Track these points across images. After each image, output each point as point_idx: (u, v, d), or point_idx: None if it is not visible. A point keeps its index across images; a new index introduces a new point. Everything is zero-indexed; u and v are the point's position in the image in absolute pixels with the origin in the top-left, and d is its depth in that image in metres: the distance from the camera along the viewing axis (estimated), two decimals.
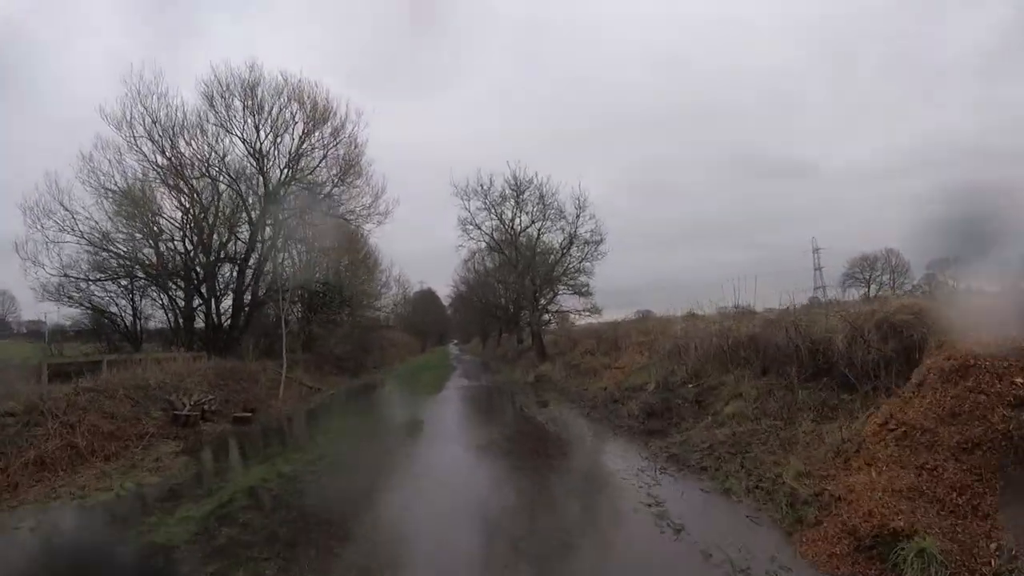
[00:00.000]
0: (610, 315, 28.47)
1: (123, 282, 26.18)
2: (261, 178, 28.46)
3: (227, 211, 28.73)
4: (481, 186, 27.45)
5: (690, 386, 12.79)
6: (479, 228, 27.57)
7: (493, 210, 27.62)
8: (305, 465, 10.30)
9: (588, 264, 27.61)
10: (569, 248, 27.20)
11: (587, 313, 28.16)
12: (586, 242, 27.10)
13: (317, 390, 25.28)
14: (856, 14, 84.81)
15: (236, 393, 19.76)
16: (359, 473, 10.06)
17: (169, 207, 27.30)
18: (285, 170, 28.52)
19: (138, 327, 26.63)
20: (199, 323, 27.82)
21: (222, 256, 29.09)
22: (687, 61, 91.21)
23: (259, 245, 30.32)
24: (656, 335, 16.90)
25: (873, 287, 43.10)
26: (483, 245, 28.34)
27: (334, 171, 28.85)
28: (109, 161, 23.39)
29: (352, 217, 34.10)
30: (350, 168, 30.32)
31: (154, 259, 26.77)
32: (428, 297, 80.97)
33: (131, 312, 27.01)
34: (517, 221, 27.53)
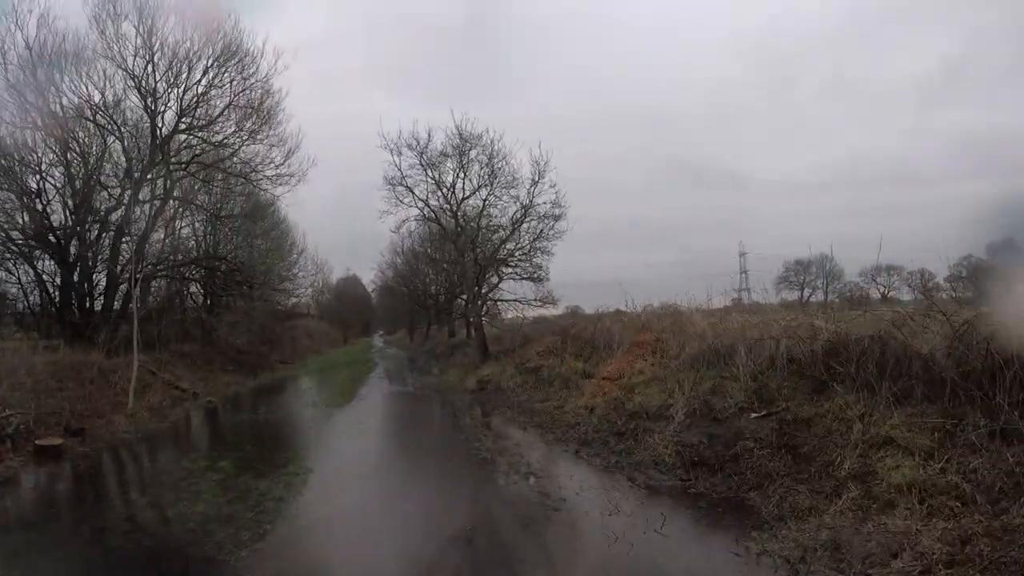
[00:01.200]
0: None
1: None
2: (150, 124, 21.70)
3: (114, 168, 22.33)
4: (416, 140, 21.64)
5: (755, 415, 7.80)
6: (411, 192, 21.76)
7: (430, 171, 21.94)
8: None
9: (544, 243, 22.45)
10: (522, 222, 21.95)
11: (538, 304, 23.02)
12: (543, 216, 21.92)
13: (193, 396, 18.89)
14: (801, 35, 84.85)
15: (76, 401, 14.01)
16: None
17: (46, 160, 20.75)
18: (182, 118, 21.95)
19: None
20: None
21: (107, 221, 22.31)
22: (631, 66, 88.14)
23: (145, 207, 23.62)
24: (669, 332, 11.87)
25: (807, 290, 43.56)
26: (414, 213, 22.50)
27: (237, 117, 22.42)
28: None
29: (258, 178, 27.56)
30: (256, 114, 23.90)
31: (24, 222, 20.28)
32: (352, 284, 73.89)
33: None
34: (459, 186, 21.97)
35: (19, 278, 22.27)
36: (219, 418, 15.62)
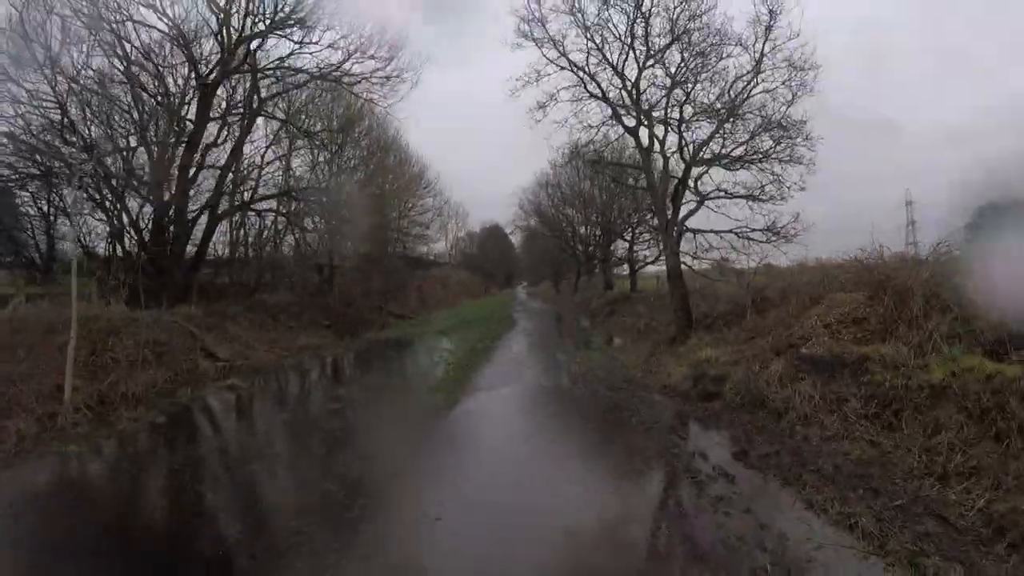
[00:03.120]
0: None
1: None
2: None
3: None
4: None
5: None
6: (556, 47, 13.06)
7: (588, 34, 13.16)
8: None
9: (786, 137, 12.64)
10: (755, 78, 12.25)
11: (771, 238, 13.32)
12: (790, 65, 12.15)
13: (227, 370, 13.01)
14: None
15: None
16: None
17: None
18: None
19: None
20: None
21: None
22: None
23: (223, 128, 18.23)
24: None
25: None
26: (563, 82, 13.86)
27: None
28: None
29: (354, 81, 20.88)
30: None
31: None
32: (496, 235, 68.19)
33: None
34: (630, 68, 12.94)
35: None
36: (202, 434, 8.71)
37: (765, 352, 9.50)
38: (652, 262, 27.46)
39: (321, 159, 26.72)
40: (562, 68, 13.12)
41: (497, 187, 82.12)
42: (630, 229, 28.32)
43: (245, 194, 22.68)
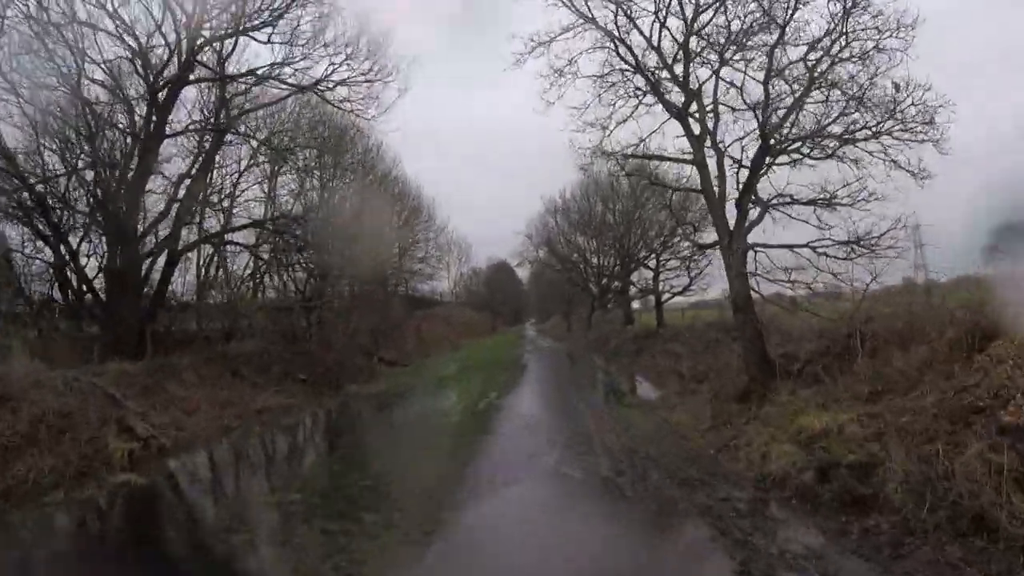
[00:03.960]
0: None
1: None
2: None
3: None
4: None
5: None
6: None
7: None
8: None
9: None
10: (845, 21, 8.81)
11: (869, 254, 9.70)
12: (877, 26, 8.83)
13: (157, 450, 9.60)
14: None
15: None
16: None
17: None
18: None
19: None
20: None
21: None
22: None
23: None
24: None
25: None
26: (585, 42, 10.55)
27: None
28: None
29: (327, 88, 18.07)
30: None
31: None
32: (503, 271, 65.35)
33: None
34: (667, 41, 9.77)
35: None
36: None
37: (927, 419, 5.95)
38: (681, 292, 23.90)
39: (309, 187, 23.82)
40: (584, 21, 9.82)
41: (499, 226, 79.34)
42: (653, 256, 24.86)
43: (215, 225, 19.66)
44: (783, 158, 9.99)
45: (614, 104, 10.41)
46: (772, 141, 9.23)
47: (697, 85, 10.26)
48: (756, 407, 9.04)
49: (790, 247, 10.64)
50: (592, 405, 12.06)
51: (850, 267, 10.55)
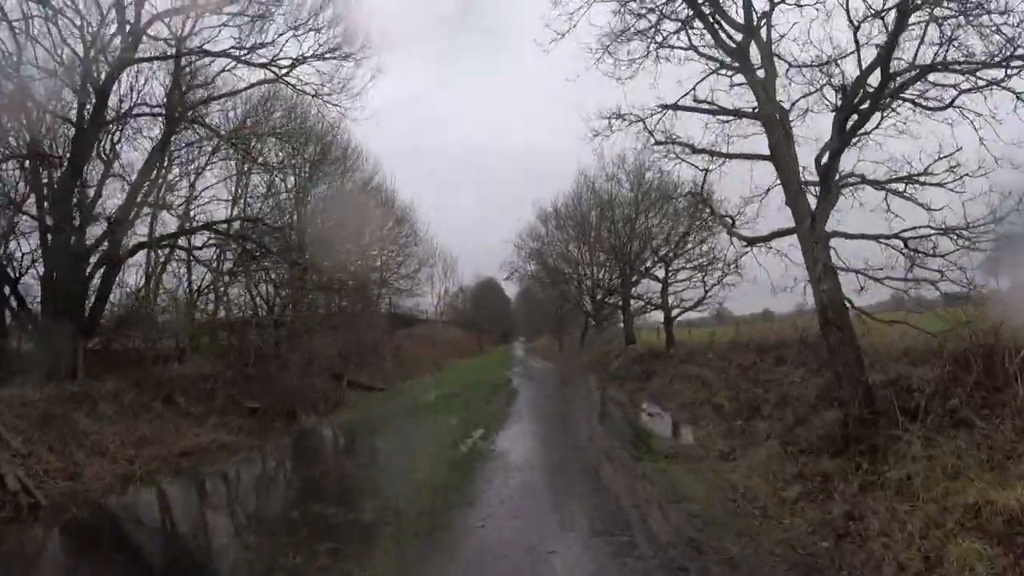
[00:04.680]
0: None
1: None
2: None
3: None
4: None
5: None
6: None
7: None
8: None
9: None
10: None
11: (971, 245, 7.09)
12: None
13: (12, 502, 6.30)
14: None
15: None
16: None
17: None
18: None
19: None
20: None
21: None
22: None
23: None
24: None
25: None
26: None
27: None
28: None
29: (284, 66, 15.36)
30: None
31: None
32: (491, 288, 62.61)
33: None
34: None
35: None
36: None
37: None
38: (694, 307, 20.92)
39: (282, 190, 20.96)
40: None
41: (486, 242, 76.43)
42: (661, 264, 21.92)
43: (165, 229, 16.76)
44: (877, 116, 7.16)
45: (648, 45, 7.54)
46: (891, 71, 6.35)
47: (756, 18, 7.45)
48: (869, 463, 6.07)
49: (878, 238, 7.81)
50: (612, 453, 8.94)
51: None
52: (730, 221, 10.37)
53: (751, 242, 9.25)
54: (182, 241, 16.93)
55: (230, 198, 19.47)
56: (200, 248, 16.97)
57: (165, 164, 15.64)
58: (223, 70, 14.59)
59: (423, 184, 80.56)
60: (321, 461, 11.16)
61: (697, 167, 9.73)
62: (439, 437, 11.57)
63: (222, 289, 19.30)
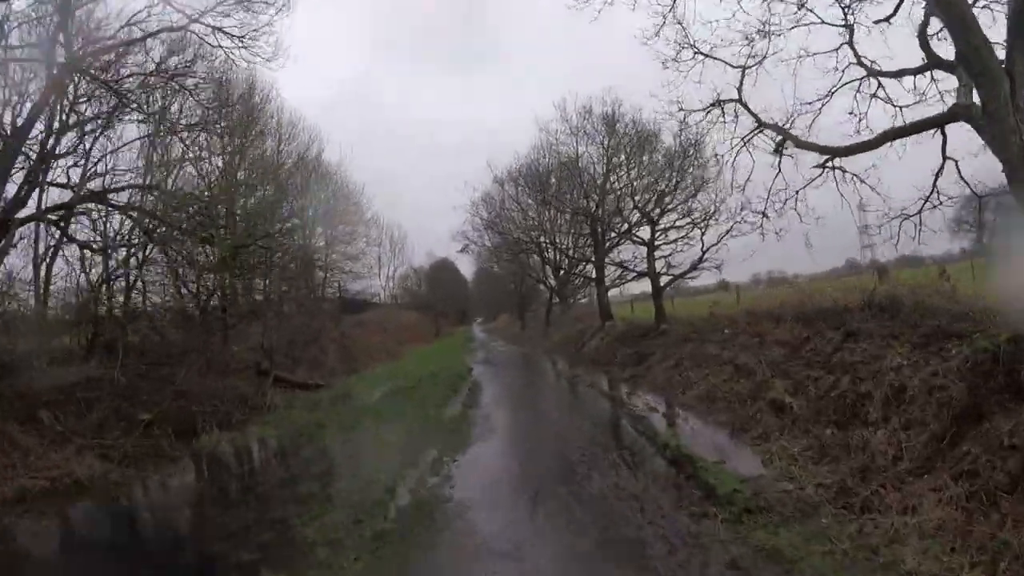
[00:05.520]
0: None
1: None
2: None
3: None
4: None
5: None
6: None
7: None
8: None
9: None
10: None
11: None
12: None
13: None
14: None
15: None
16: None
17: None
18: None
19: None
20: None
21: None
22: None
23: None
24: None
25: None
26: None
27: None
28: None
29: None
30: None
31: None
32: (444, 269, 59.25)
33: None
34: None
35: None
36: None
37: None
38: (688, 272, 17.36)
39: (203, 156, 17.27)
40: None
41: (439, 221, 72.35)
42: (646, 222, 18.31)
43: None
44: None
45: None
46: None
47: None
48: None
49: None
50: (646, 504, 5.37)
51: None
52: (782, 133, 6.96)
53: (835, 154, 5.85)
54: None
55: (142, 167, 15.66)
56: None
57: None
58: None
59: (376, 163, 75.67)
60: (195, 522, 7.32)
61: (729, 64, 6.30)
62: (380, 467, 7.89)
63: (133, 276, 15.67)
